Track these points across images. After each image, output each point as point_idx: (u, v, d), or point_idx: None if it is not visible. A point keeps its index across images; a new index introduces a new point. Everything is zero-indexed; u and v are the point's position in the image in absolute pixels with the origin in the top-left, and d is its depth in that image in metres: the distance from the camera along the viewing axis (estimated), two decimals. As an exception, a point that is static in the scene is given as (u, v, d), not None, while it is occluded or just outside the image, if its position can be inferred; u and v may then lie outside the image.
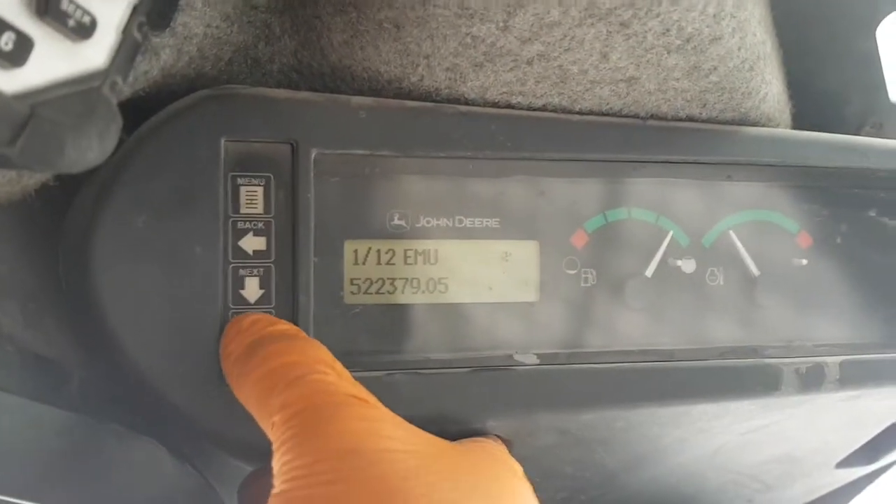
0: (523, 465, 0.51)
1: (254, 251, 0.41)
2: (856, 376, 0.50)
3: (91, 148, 0.28)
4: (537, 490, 0.58)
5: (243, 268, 0.41)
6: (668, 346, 0.48)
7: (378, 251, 0.44)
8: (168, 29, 0.37)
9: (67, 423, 0.36)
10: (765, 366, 0.48)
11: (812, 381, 0.49)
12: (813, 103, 0.59)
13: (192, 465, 0.41)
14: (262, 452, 0.43)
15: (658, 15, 0.41)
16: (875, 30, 0.57)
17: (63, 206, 0.40)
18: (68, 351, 0.40)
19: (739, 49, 0.44)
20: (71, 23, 0.26)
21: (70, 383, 0.39)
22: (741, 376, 0.48)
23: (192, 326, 0.40)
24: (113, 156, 0.39)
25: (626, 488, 0.62)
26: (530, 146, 0.45)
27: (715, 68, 0.45)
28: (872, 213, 0.52)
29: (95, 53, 0.28)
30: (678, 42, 0.42)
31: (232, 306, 0.40)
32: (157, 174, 0.39)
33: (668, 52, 0.43)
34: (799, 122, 0.57)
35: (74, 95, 0.28)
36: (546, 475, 0.55)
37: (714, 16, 0.42)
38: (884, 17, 0.56)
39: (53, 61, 0.27)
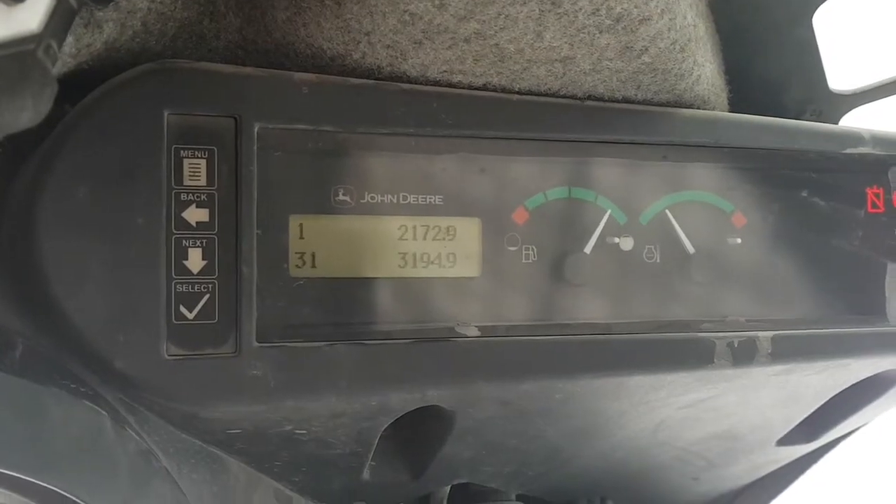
0: (468, 438, 0.53)
1: (197, 222, 0.42)
2: (787, 351, 0.51)
3: (25, 109, 0.29)
4: (483, 464, 0.59)
5: (186, 239, 0.42)
6: (605, 320, 0.49)
7: (323, 226, 0.45)
8: (111, 3, 0.38)
9: (9, 388, 0.37)
10: (699, 339, 0.50)
11: (745, 354, 0.51)
12: (753, 91, 0.61)
13: (134, 430, 0.41)
14: (202, 422, 0.44)
15: None
16: (811, 17, 0.59)
17: (7, 176, 0.41)
18: (12, 318, 0.40)
19: (669, 30, 0.46)
20: (4, -14, 0.27)
21: (14, 349, 0.39)
22: (675, 349, 0.49)
23: (134, 296, 0.40)
24: (56, 127, 0.40)
25: (572, 463, 0.64)
26: (471, 124, 0.47)
27: (646, 49, 0.46)
28: (804, 194, 0.54)
29: (29, 17, 0.29)
30: (608, 22, 0.44)
31: (175, 276, 0.41)
32: (100, 145, 0.40)
33: (600, 32, 0.44)
34: (739, 109, 0.58)
35: (8, 58, 0.28)
36: (492, 448, 0.57)
37: None
38: (820, 4, 0.58)
39: (-14, 23, 0.27)
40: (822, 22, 0.60)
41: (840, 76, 0.64)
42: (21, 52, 0.29)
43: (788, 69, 0.62)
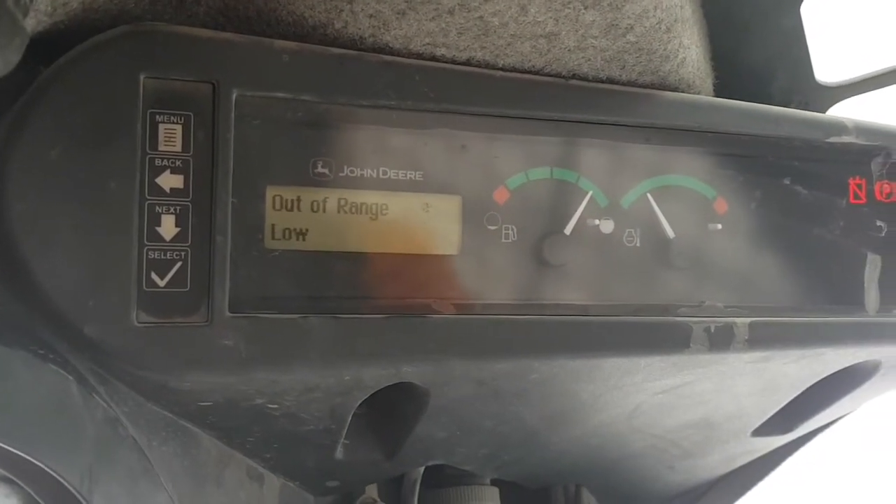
0: (442, 418, 0.53)
1: (171, 189, 0.41)
2: (764, 338, 0.51)
3: (-8, 59, 0.28)
4: (458, 445, 0.59)
5: (159, 205, 0.41)
6: (583, 302, 0.49)
7: (300, 198, 0.44)
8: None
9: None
10: (675, 324, 0.50)
11: (721, 340, 0.50)
12: (739, 79, 0.61)
13: (101, 397, 0.41)
14: (173, 392, 0.43)
15: None
16: (800, 6, 0.59)
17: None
18: (-21, 281, 0.40)
19: (655, 9, 0.45)
20: (-27, -69, 0.27)
21: (-21, 312, 0.39)
22: (652, 333, 0.49)
23: (105, 261, 0.40)
24: (30, 86, 0.40)
25: (548, 448, 0.63)
26: (453, 99, 0.46)
27: (631, 27, 0.46)
28: (786, 182, 0.54)
29: (-1, -35, 0.28)
30: None
31: (147, 242, 0.41)
32: (74, 106, 0.39)
33: (585, 8, 0.44)
34: (724, 97, 0.58)
35: (-24, 6, 0.28)
36: (466, 430, 0.56)
37: None
38: (808, -7, 0.58)
39: (-47, -32, 0.27)
40: (810, 13, 0.60)
41: (827, 68, 0.64)
42: (-11, 1, 0.28)
43: (775, 58, 0.62)
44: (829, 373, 0.59)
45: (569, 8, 0.44)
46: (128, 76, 0.40)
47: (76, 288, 0.39)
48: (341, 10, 0.43)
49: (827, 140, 0.54)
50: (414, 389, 0.48)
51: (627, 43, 0.47)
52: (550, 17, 0.44)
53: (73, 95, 0.39)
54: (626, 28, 0.46)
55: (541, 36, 0.45)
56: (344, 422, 0.50)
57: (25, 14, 0.30)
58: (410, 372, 0.46)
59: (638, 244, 0.51)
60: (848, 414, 0.73)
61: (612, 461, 0.70)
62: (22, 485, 0.39)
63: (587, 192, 0.50)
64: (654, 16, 0.46)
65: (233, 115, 0.42)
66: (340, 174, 0.45)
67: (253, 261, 0.43)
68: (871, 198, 0.56)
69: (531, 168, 0.49)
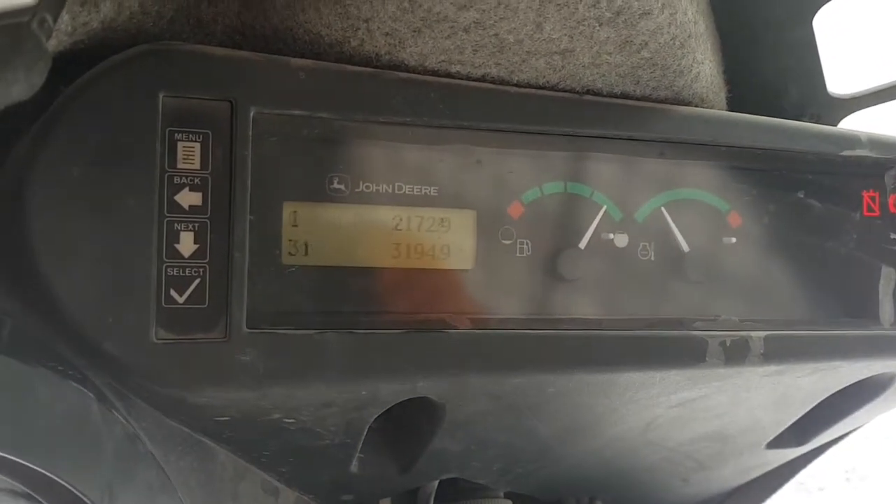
0: (458, 432, 0.53)
1: (189, 206, 0.41)
2: (779, 351, 0.51)
3: (17, 81, 0.29)
4: (472, 459, 0.59)
5: (178, 222, 0.41)
6: (598, 316, 0.49)
7: (317, 214, 0.45)
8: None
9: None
10: (691, 338, 0.50)
11: (737, 354, 0.50)
12: (751, 93, 0.61)
13: (120, 413, 0.41)
14: (190, 408, 0.44)
15: None
16: (812, 18, 0.59)
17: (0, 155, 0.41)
18: (1, 297, 0.40)
19: (670, 25, 0.46)
20: (-1, -44, 0.27)
21: (1, 328, 0.39)
22: (667, 347, 0.49)
23: (125, 278, 0.40)
24: (51, 105, 0.40)
25: (561, 462, 0.63)
26: (468, 115, 0.46)
27: (646, 43, 0.46)
28: (800, 195, 0.54)
29: (24, -11, 0.29)
30: (609, 15, 0.44)
31: (166, 259, 0.41)
32: (94, 125, 0.40)
33: (600, 25, 0.44)
34: (737, 110, 0.58)
35: (2, 29, 0.28)
36: (481, 444, 0.56)
37: None
38: (821, 5, 0.58)
39: (-20, -7, 0.27)
40: (822, 26, 0.60)
41: (839, 80, 0.64)
42: (15, 24, 0.29)
43: (787, 71, 0.62)
44: (843, 385, 0.59)
45: (584, 25, 0.44)
46: (147, 95, 0.41)
47: (96, 304, 0.40)
48: (357, 29, 0.43)
49: (840, 153, 0.54)
50: (430, 404, 0.48)
51: (642, 59, 0.47)
52: (565, 34, 0.44)
53: (93, 114, 0.40)
54: (641, 44, 0.46)
55: (555, 52, 0.46)
56: (359, 436, 0.50)
57: (49, 36, 0.30)
58: (426, 387, 0.46)
59: (652, 258, 0.51)
60: (862, 426, 0.73)
61: (626, 474, 0.70)
62: (42, 501, 0.40)
63: (601, 207, 0.50)
64: (668, 32, 0.46)
65: (250, 132, 0.42)
66: (356, 189, 0.45)
67: (270, 277, 0.43)
68: (885, 210, 0.56)
69: (546, 183, 0.49)
